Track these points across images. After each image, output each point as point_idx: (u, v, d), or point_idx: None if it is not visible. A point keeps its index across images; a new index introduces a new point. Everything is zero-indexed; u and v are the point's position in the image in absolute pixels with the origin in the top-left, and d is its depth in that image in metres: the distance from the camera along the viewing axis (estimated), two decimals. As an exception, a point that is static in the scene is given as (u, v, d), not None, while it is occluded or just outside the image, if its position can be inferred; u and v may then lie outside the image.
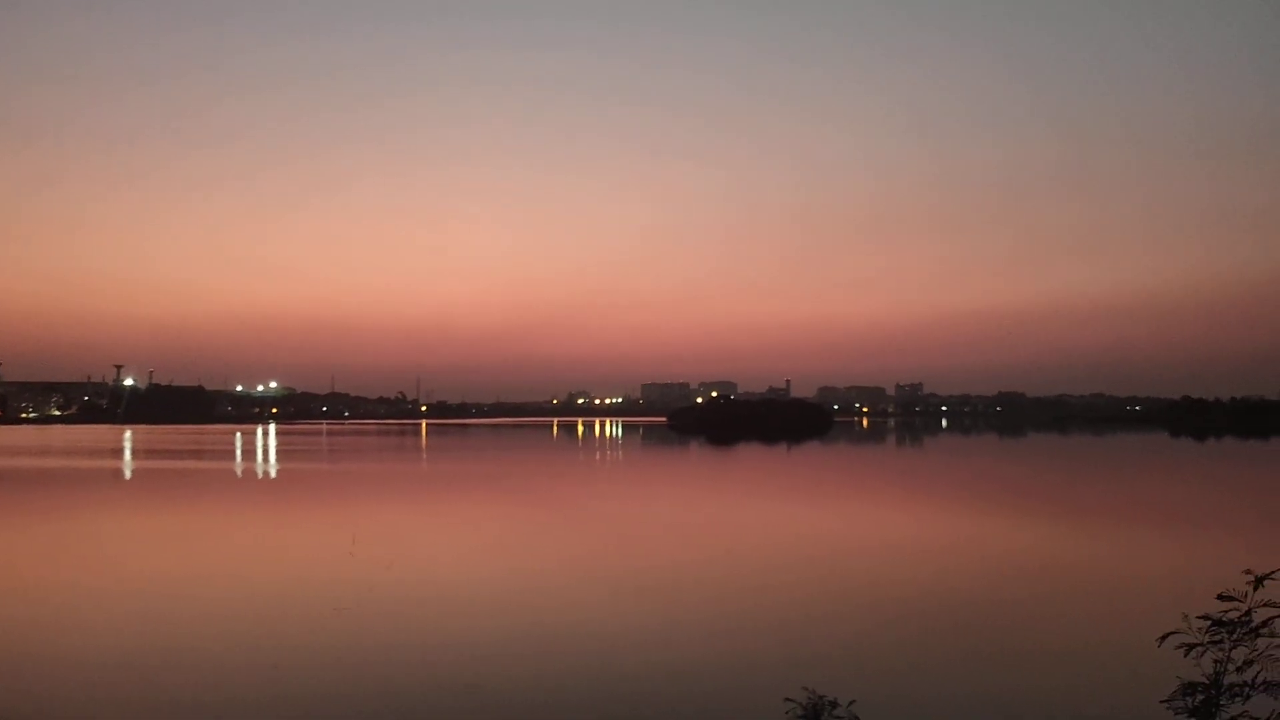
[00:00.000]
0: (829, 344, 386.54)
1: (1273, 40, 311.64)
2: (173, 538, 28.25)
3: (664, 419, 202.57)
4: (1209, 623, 5.10)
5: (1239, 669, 5.04)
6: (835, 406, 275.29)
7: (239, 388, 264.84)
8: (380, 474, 57.44)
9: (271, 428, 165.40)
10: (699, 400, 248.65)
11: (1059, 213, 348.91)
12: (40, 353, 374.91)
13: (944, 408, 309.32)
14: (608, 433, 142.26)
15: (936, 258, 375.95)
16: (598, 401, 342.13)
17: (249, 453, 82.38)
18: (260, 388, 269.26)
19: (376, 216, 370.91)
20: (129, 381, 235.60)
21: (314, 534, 29.23)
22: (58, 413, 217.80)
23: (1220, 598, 5.16)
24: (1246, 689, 5.00)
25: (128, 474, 58.69)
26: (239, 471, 60.05)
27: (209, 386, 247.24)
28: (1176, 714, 5.16)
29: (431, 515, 34.95)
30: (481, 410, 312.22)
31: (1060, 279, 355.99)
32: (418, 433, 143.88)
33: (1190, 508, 37.65)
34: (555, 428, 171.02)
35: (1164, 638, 5.21)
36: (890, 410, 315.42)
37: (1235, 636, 5.06)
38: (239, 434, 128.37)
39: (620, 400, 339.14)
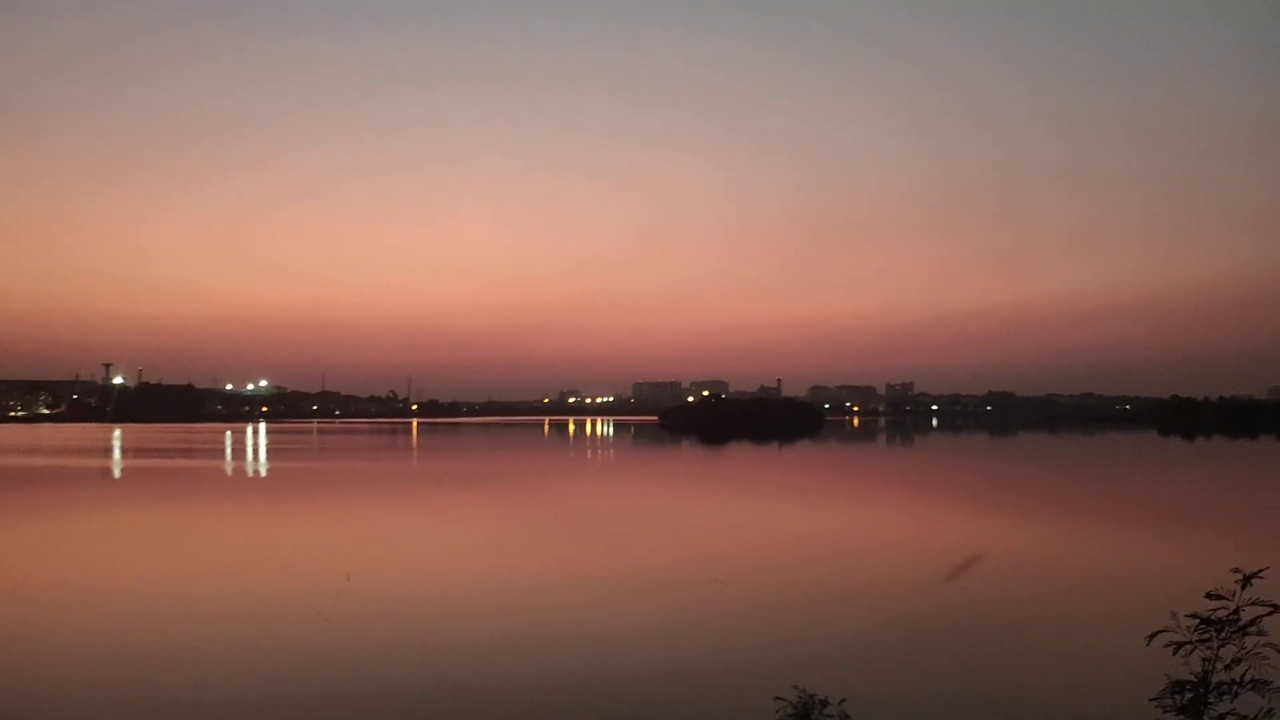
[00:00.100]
0: (821, 344, 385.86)
1: (1273, 40, 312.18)
2: (163, 536, 28.16)
3: (655, 418, 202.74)
4: (1197, 621, 5.16)
5: (1227, 667, 5.10)
6: (826, 406, 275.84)
7: (229, 386, 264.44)
8: (371, 472, 57.33)
9: (262, 426, 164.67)
10: (690, 399, 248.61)
11: (1059, 213, 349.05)
12: (28, 351, 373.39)
13: (934, 407, 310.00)
14: (599, 432, 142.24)
15: (936, 257, 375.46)
16: (589, 400, 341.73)
17: (239, 451, 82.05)
18: (250, 386, 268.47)
19: (368, 214, 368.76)
20: (118, 380, 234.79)
21: (306, 533, 29.22)
22: (46, 411, 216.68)
23: (1208, 596, 5.21)
24: (1234, 687, 5.05)
25: (117, 473, 58.41)
26: (229, 470, 59.85)
27: (199, 385, 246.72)
28: (1165, 712, 5.21)
29: (423, 514, 34.88)
30: (473, 409, 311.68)
31: (1060, 279, 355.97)
32: (409, 431, 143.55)
33: (1178, 507, 37.84)
34: (546, 427, 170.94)
35: (1153, 636, 5.26)
36: (881, 409, 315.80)
37: (1223, 635, 5.12)
38: (229, 433, 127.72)
39: (611, 399, 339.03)
